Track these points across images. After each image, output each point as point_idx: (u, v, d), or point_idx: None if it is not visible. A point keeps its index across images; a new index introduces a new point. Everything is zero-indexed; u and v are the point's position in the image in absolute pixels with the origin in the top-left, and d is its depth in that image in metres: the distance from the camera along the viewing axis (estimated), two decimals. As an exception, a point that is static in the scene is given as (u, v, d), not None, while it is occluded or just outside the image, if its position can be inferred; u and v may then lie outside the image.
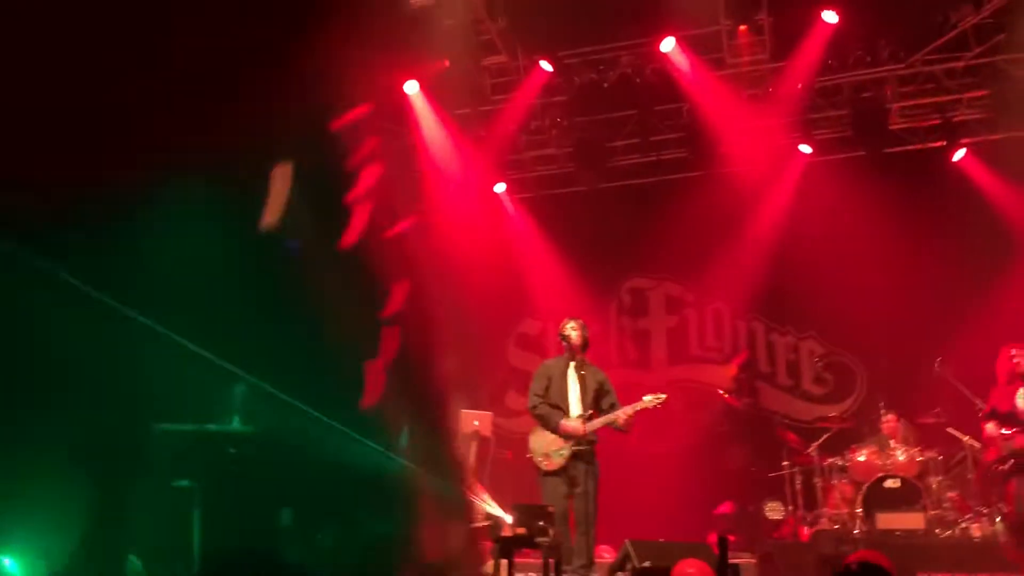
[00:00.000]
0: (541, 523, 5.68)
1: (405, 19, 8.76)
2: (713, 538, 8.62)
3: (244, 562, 2.30)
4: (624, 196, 11.32)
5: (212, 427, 7.21)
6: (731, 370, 10.59)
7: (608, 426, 6.55)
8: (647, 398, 6.45)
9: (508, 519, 5.92)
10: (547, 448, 6.52)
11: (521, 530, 5.72)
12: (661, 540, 6.42)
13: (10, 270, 4.86)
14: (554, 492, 6.44)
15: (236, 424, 6.76)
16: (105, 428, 5.42)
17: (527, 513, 5.82)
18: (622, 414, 6.43)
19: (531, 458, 6.63)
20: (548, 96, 10.60)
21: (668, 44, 9.55)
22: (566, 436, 6.46)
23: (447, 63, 9.88)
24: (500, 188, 11.67)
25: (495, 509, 6.87)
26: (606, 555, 7.41)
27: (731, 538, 5.52)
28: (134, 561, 7.10)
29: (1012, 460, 7.27)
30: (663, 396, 6.48)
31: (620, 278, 11.87)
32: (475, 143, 10.93)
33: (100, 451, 5.36)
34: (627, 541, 5.98)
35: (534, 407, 6.78)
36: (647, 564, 5.65)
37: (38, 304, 5.44)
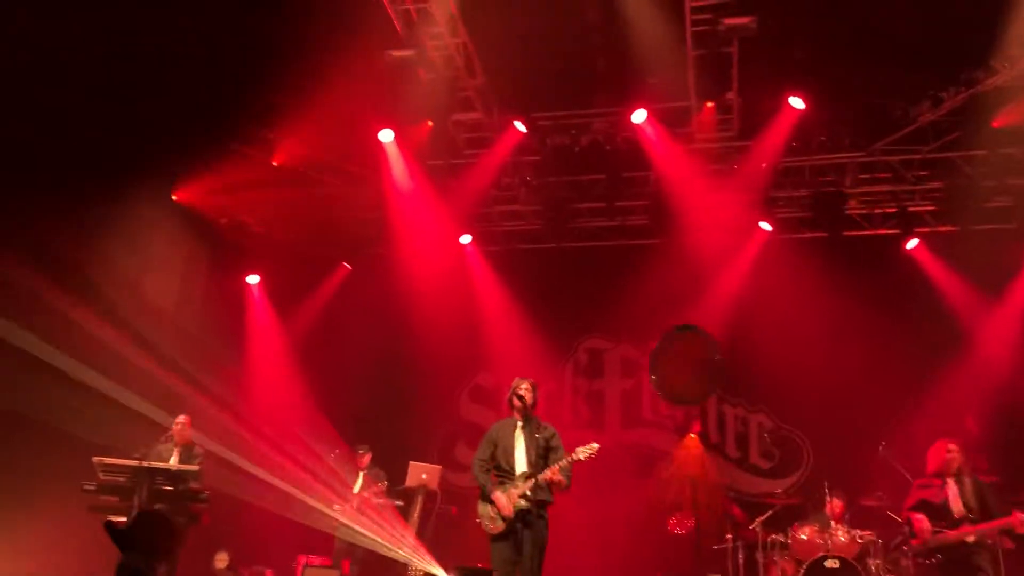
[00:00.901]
0: (483, 588, 5.61)
1: (384, 71, 8.87)
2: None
3: None
4: (587, 257, 11.47)
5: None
6: (692, 442, 10.68)
7: (550, 484, 6.45)
8: (579, 449, 6.38)
9: (449, 580, 5.83)
10: (492, 512, 6.46)
11: (462, 594, 5.64)
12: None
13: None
14: (499, 556, 6.37)
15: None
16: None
17: (469, 576, 5.75)
18: (556, 468, 6.36)
19: (479, 522, 6.55)
20: (520, 155, 10.75)
21: (640, 115, 9.78)
22: (495, 505, 6.41)
23: (430, 123, 10.04)
24: (466, 240, 11.73)
25: (436, 569, 6.77)
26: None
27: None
28: None
29: (940, 555, 7.35)
30: (595, 445, 6.37)
31: (578, 337, 11.97)
32: (445, 194, 11.00)
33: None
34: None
35: (475, 474, 6.75)
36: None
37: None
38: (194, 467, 7.61)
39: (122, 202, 9.77)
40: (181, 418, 8.09)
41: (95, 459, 7.15)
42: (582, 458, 6.36)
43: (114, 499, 7.28)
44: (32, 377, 7.94)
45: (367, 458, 9.53)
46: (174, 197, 10.69)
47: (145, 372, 9.10)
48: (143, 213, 10.30)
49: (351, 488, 9.33)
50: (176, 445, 7.97)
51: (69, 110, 8.45)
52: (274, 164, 10.78)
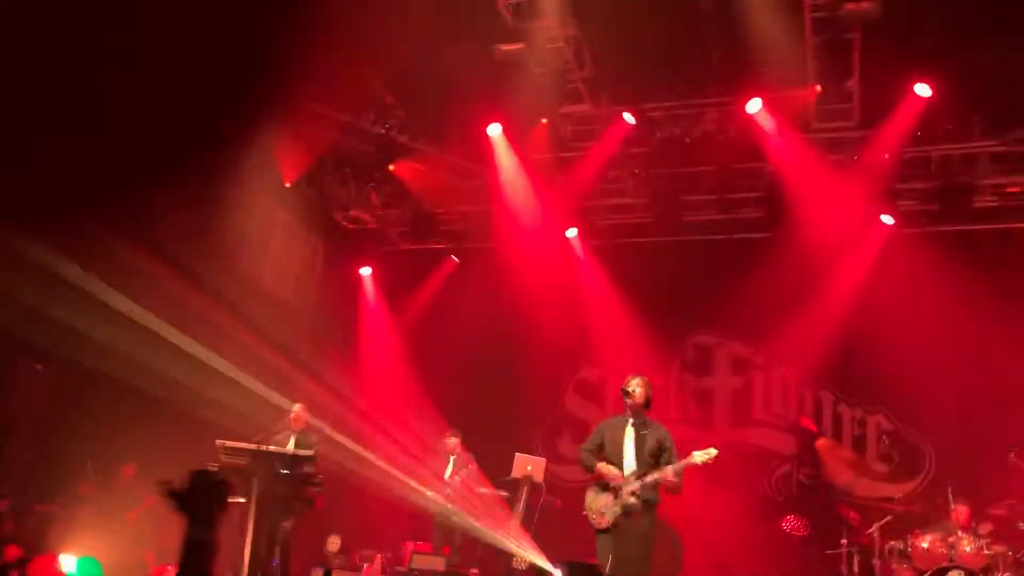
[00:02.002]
0: (589, 582, 5.59)
1: (494, 65, 8.93)
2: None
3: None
4: (696, 251, 11.25)
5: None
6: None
7: (659, 484, 6.38)
8: (696, 454, 6.25)
9: (556, 573, 5.83)
10: (599, 506, 6.43)
11: (569, 587, 5.63)
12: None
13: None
14: (605, 551, 6.33)
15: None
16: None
17: (576, 571, 5.73)
18: (670, 470, 6.26)
19: (586, 515, 6.53)
20: (628, 147, 10.62)
21: (755, 105, 9.51)
22: (607, 479, 6.37)
23: (544, 121, 10.05)
24: (572, 233, 11.70)
25: (542, 562, 6.79)
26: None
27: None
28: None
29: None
30: (713, 451, 6.22)
31: (685, 333, 11.75)
32: (552, 187, 11.00)
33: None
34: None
35: (581, 460, 6.73)
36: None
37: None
38: (309, 452, 7.86)
39: (239, 196, 10.18)
40: (297, 406, 8.38)
41: (218, 442, 7.47)
42: (699, 463, 6.23)
43: (235, 481, 7.60)
44: (157, 357, 8.35)
45: (456, 444, 9.59)
46: (287, 184, 11.01)
47: (263, 359, 9.47)
48: (261, 207, 10.74)
49: (443, 474, 9.41)
50: (293, 432, 8.25)
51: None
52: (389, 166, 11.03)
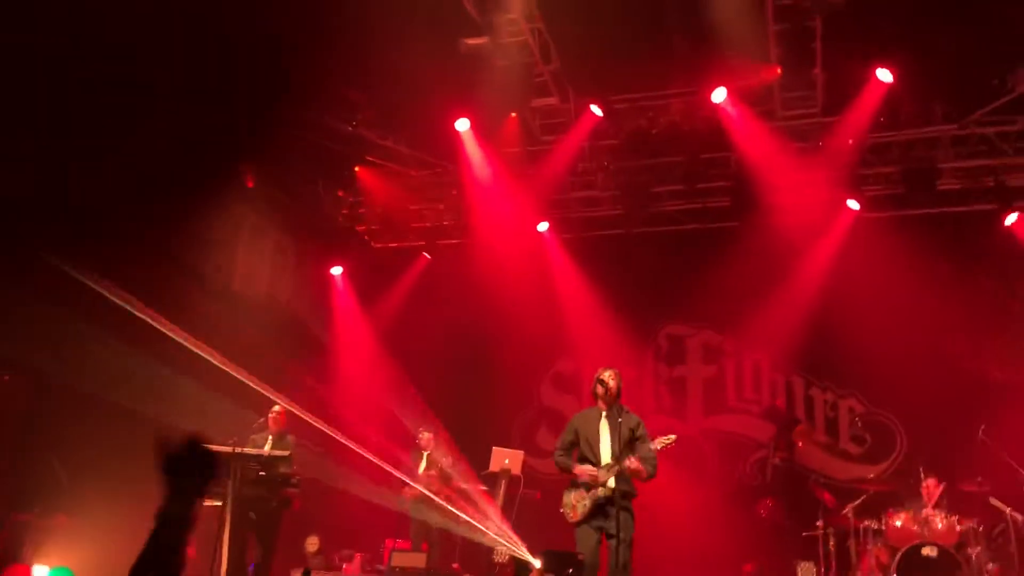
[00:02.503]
0: (570, 570, 5.61)
1: (459, 60, 8.91)
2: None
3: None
4: (666, 241, 11.32)
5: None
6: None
7: (630, 473, 6.37)
8: (657, 440, 6.29)
9: (536, 563, 5.85)
10: (573, 500, 6.44)
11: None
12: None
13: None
14: (584, 540, 6.34)
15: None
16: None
17: (556, 560, 5.75)
18: (635, 459, 6.27)
19: (562, 511, 6.53)
20: (596, 139, 10.67)
21: (719, 94, 9.58)
22: (583, 479, 6.39)
23: (513, 115, 10.05)
24: (543, 227, 11.73)
25: (522, 552, 6.80)
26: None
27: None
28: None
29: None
30: (672, 436, 6.29)
31: (658, 324, 11.83)
32: (522, 182, 11.01)
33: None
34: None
35: (556, 461, 6.75)
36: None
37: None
38: (285, 453, 7.81)
39: (205, 200, 10.08)
40: (276, 408, 8.29)
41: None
42: (658, 448, 6.27)
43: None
44: (126, 363, 8.24)
45: (430, 440, 9.56)
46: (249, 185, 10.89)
47: (235, 362, 9.38)
48: (228, 208, 10.64)
49: (416, 470, 9.38)
50: (271, 433, 8.19)
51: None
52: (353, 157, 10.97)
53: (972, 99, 9.61)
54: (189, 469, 2.10)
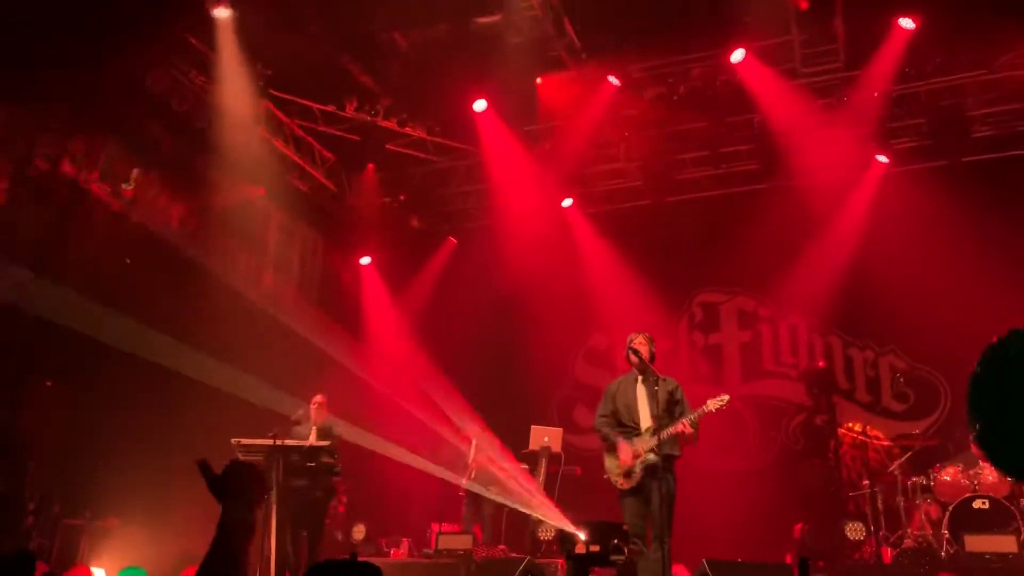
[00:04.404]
0: (615, 540, 5.60)
1: (472, 39, 8.87)
2: (790, 558, 8.42)
3: None
4: (693, 209, 11.21)
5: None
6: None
7: (678, 437, 6.35)
8: (710, 401, 6.24)
9: (580, 536, 5.84)
10: (620, 467, 6.43)
11: (595, 547, 5.65)
12: (739, 560, 6.26)
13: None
14: (630, 511, 6.33)
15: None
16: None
17: (600, 530, 5.74)
18: (686, 421, 6.24)
19: (607, 477, 6.53)
20: (616, 110, 10.56)
21: (738, 55, 9.43)
22: (625, 463, 6.37)
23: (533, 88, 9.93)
24: (568, 203, 11.66)
25: (566, 525, 6.80)
26: None
27: (820, 564, 5.33)
28: None
29: None
30: (726, 397, 6.21)
31: (690, 292, 11.73)
32: (543, 159, 10.95)
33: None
34: (704, 561, 5.86)
35: (597, 428, 6.73)
36: (724, 584, 5.53)
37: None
38: (326, 443, 7.85)
39: (233, 197, 10.19)
40: (318, 398, 8.30)
41: (233, 440, 7.47)
42: (713, 410, 6.20)
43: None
44: (167, 364, 8.35)
45: (475, 428, 9.64)
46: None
47: (273, 359, 9.49)
48: (256, 206, 10.74)
49: (467, 457, 9.46)
50: (313, 424, 8.22)
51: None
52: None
53: (999, 42, 9.37)
54: (237, 489, 2.18)
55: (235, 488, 2.16)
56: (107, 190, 8.93)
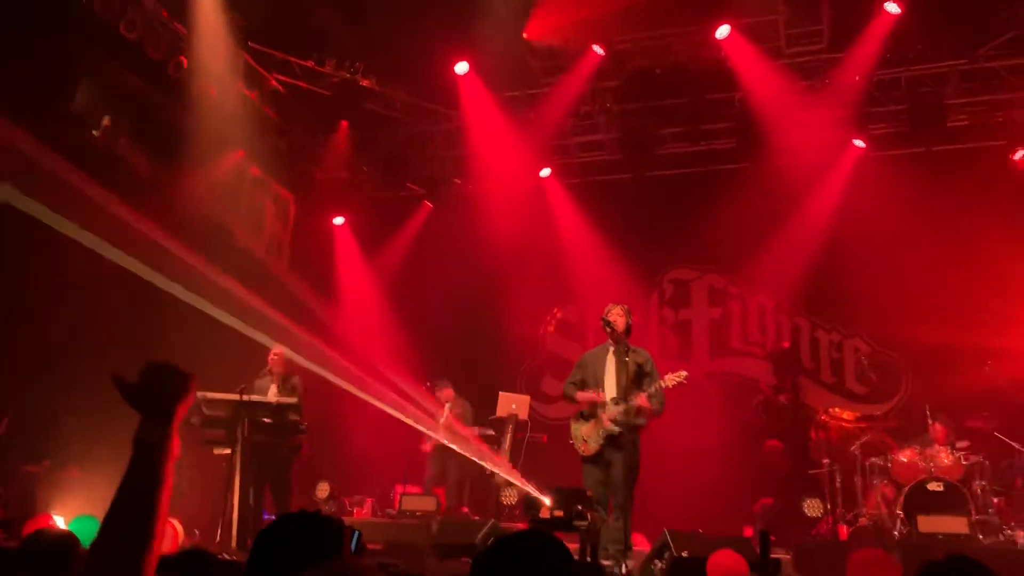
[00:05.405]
0: (579, 507, 5.66)
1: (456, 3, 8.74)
2: (749, 532, 8.57)
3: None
4: (671, 185, 11.24)
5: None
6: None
7: (636, 411, 6.38)
8: (668, 376, 6.32)
9: (545, 500, 5.90)
10: (584, 434, 6.50)
11: (559, 513, 5.70)
12: (699, 531, 6.36)
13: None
14: (591, 477, 6.42)
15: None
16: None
17: (565, 496, 5.80)
18: (644, 395, 6.30)
19: (572, 443, 6.61)
20: (599, 81, 10.50)
21: (723, 31, 9.40)
22: (588, 407, 6.45)
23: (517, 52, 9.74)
24: (546, 173, 11.62)
25: (531, 490, 6.87)
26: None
27: (772, 539, 5.42)
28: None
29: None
30: (683, 373, 6.32)
31: (663, 268, 11.78)
32: (523, 126, 10.88)
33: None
34: (666, 530, 5.95)
35: (565, 395, 6.81)
36: (684, 554, 5.61)
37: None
38: (293, 400, 7.83)
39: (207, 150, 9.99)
40: (277, 348, 8.23)
41: (198, 394, 7.40)
42: (670, 385, 6.29)
43: (219, 432, 7.55)
44: (135, 318, 8.22)
45: (448, 392, 9.68)
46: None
47: (242, 308, 9.38)
48: (230, 161, 10.55)
49: (437, 419, 9.50)
50: (275, 376, 8.17)
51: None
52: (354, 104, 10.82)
53: (981, 33, 9.43)
54: (154, 396, 1.94)
55: (154, 396, 1.83)
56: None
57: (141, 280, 7.46)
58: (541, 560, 1.89)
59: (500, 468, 8.57)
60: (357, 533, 2.06)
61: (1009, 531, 7.70)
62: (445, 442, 9.13)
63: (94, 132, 8.95)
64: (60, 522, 7.84)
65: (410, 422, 8.82)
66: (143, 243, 7.80)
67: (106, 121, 9.08)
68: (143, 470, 1.87)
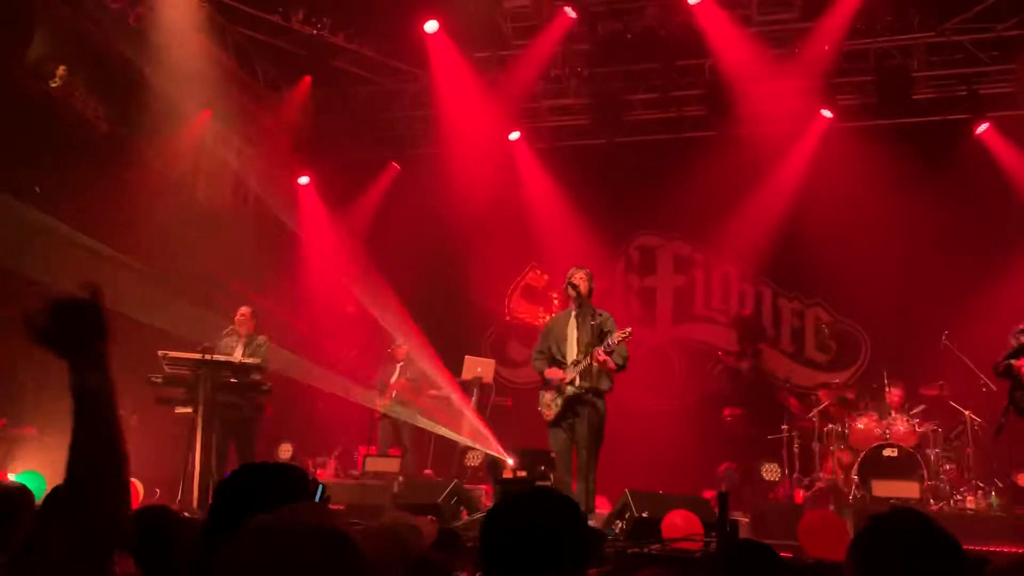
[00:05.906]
0: (542, 467, 5.70)
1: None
2: (709, 494, 8.70)
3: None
4: (639, 151, 11.22)
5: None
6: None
7: (599, 366, 6.37)
8: (616, 334, 6.31)
9: (509, 461, 5.93)
10: (548, 399, 6.53)
11: (522, 473, 5.74)
12: (659, 492, 6.44)
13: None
14: (556, 440, 6.45)
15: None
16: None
17: (529, 457, 5.84)
18: (597, 351, 6.29)
19: (540, 410, 6.62)
20: (570, 44, 10.40)
21: (696, -5, 9.35)
22: (552, 382, 6.47)
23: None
24: (515, 136, 11.53)
25: (495, 451, 6.90)
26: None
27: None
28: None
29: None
30: (629, 330, 6.31)
31: (630, 235, 11.81)
32: (492, 88, 10.76)
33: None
34: (626, 491, 6.01)
35: (532, 362, 6.82)
36: (644, 514, 5.68)
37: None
38: (257, 360, 7.74)
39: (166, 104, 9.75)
40: (243, 309, 8.15)
41: (160, 352, 7.29)
42: (616, 342, 6.27)
43: (180, 391, 7.45)
44: (96, 277, 8.04)
45: (403, 351, 9.60)
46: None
47: (202, 270, 9.24)
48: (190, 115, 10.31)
49: (389, 378, 9.44)
50: (240, 336, 8.07)
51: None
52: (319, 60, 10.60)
53: (949, 6, 9.49)
54: (74, 338, 1.67)
55: (71, 335, 1.49)
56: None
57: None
58: (555, 517, 1.89)
59: (463, 430, 8.58)
60: (322, 485, 2.04)
61: (959, 497, 7.92)
62: (383, 410, 9.11)
63: (51, 84, 8.68)
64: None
65: (348, 392, 8.74)
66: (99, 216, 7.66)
67: (61, 70, 8.80)
68: (93, 421, 1.67)
